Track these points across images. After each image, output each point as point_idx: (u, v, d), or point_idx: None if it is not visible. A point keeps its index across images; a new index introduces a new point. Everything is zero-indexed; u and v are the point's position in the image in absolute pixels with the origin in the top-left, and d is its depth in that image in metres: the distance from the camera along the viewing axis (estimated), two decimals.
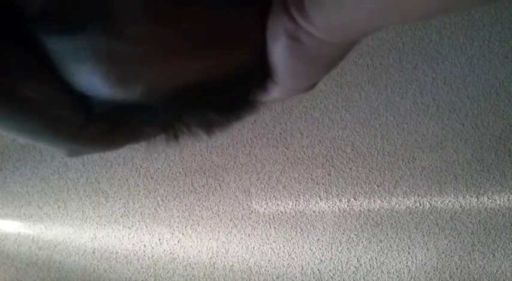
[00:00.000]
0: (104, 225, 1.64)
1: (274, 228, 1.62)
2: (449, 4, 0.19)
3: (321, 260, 1.64)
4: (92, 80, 0.25)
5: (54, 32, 0.23)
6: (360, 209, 1.61)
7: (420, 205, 1.60)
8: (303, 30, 0.23)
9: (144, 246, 1.65)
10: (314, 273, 1.65)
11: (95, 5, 0.22)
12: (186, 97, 0.27)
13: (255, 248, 1.63)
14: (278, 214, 1.61)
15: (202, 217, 1.62)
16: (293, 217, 1.61)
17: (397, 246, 1.63)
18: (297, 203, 1.61)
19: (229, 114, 0.31)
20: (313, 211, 1.61)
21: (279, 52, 0.25)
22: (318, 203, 1.61)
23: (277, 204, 1.61)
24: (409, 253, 1.63)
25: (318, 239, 1.63)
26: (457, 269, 1.63)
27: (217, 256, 1.64)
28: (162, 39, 0.23)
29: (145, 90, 0.25)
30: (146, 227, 1.64)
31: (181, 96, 0.27)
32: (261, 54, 0.28)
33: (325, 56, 0.25)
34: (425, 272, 1.64)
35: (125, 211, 1.63)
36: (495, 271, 1.63)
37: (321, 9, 0.22)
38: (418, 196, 1.60)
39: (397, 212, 1.61)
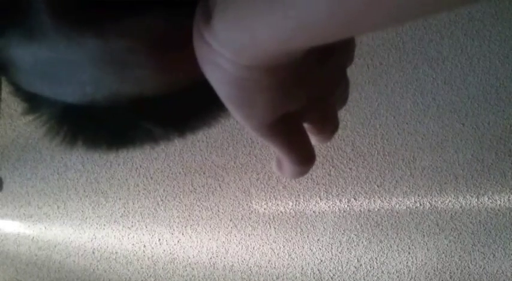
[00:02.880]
0: (104, 225, 1.64)
1: (274, 228, 1.62)
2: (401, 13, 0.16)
3: (321, 261, 1.64)
4: (33, 83, 0.26)
5: None
6: (360, 209, 1.61)
7: (420, 205, 1.60)
8: (217, 53, 0.21)
9: (144, 246, 1.64)
10: (314, 273, 1.65)
11: (11, 13, 0.22)
12: (126, 107, 0.27)
13: (255, 249, 1.63)
14: (278, 214, 1.61)
15: (202, 217, 1.62)
16: (293, 217, 1.61)
17: (397, 246, 1.63)
18: (297, 203, 1.60)
19: (173, 129, 0.31)
20: (313, 211, 1.61)
21: (210, 81, 0.23)
22: (318, 203, 1.60)
23: (277, 204, 1.60)
24: (409, 253, 1.63)
25: (318, 240, 1.62)
26: (457, 269, 1.63)
27: (217, 256, 1.64)
28: (82, 52, 0.24)
29: (82, 94, 0.26)
30: (146, 227, 1.63)
31: (122, 106, 0.27)
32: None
33: (254, 82, 0.22)
34: (425, 272, 1.64)
35: (124, 211, 1.63)
36: (495, 271, 1.62)
37: (223, 24, 0.20)
38: (418, 196, 1.59)
39: (397, 212, 1.61)
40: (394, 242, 1.62)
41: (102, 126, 0.29)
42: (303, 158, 0.28)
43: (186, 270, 1.66)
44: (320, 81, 0.27)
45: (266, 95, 0.24)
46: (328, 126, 0.30)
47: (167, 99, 0.28)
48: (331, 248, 1.63)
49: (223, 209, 1.61)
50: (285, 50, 0.21)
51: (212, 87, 0.24)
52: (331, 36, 0.18)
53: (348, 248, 1.63)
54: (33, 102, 0.29)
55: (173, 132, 0.30)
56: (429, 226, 1.61)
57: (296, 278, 1.65)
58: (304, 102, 0.26)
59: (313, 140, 0.31)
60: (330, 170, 1.59)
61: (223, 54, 0.21)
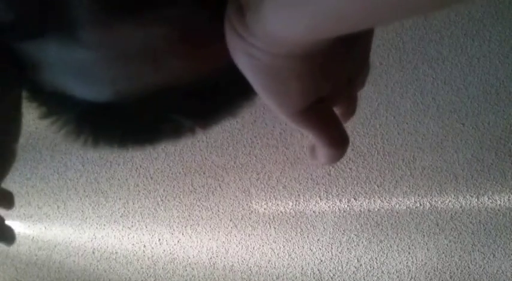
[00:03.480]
0: (104, 225, 1.64)
1: (274, 228, 1.62)
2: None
3: (321, 261, 1.64)
4: (65, 83, 0.27)
5: (18, 40, 0.24)
6: (360, 209, 1.61)
7: (420, 205, 1.60)
8: (251, 44, 0.23)
9: (144, 246, 1.64)
10: (314, 273, 1.65)
11: (50, 15, 0.22)
12: (157, 100, 0.27)
13: (255, 249, 1.63)
14: (278, 214, 1.61)
15: (202, 217, 1.62)
16: (293, 217, 1.61)
17: (397, 246, 1.63)
18: (297, 203, 1.60)
19: (200, 120, 0.31)
20: (313, 211, 1.61)
21: (244, 71, 0.24)
22: (318, 203, 1.60)
23: (277, 204, 1.60)
24: (409, 253, 1.63)
25: (318, 240, 1.62)
26: (457, 269, 1.63)
27: (217, 256, 1.64)
28: (119, 45, 0.24)
29: (113, 92, 0.26)
30: (146, 227, 1.63)
31: (152, 99, 0.27)
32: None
33: (288, 70, 0.24)
34: (425, 272, 1.64)
35: (124, 211, 1.63)
36: (495, 271, 1.63)
37: (258, 20, 0.21)
38: (418, 196, 1.59)
39: (397, 212, 1.61)
40: (394, 242, 1.62)
41: (127, 123, 0.29)
42: (338, 140, 0.29)
43: (186, 270, 1.66)
44: (348, 67, 0.28)
45: (300, 83, 0.25)
46: (351, 108, 0.32)
47: (195, 91, 0.28)
48: (331, 248, 1.63)
49: (223, 209, 1.61)
50: (320, 39, 0.22)
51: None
52: (365, 24, 0.19)
53: (348, 248, 1.63)
54: (53, 104, 0.29)
55: (200, 123, 0.31)
56: (429, 226, 1.61)
57: (296, 278, 1.65)
58: (333, 87, 0.28)
59: None
60: (329, 170, 1.59)
61: (258, 46, 0.22)
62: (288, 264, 1.64)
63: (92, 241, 1.65)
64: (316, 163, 0.31)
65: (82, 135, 0.30)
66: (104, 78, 0.26)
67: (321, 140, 0.29)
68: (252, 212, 1.61)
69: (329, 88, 0.27)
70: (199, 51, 0.26)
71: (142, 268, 1.66)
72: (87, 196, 1.63)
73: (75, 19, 0.23)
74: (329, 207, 1.61)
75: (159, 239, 1.64)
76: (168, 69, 0.26)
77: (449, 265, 1.63)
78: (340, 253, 1.63)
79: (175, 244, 1.64)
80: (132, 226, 1.63)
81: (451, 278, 1.64)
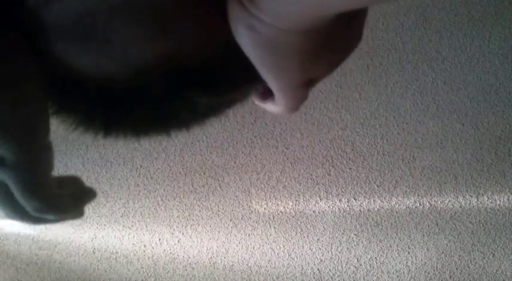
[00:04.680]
0: (104, 225, 1.64)
1: (274, 228, 1.62)
2: None
3: (321, 260, 1.64)
4: (77, 61, 0.26)
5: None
6: (359, 209, 1.61)
7: (420, 204, 1.60)
8: (255, 17, 0.23)
9: (144, 246, 1.65)
10: (314, 273, 1.65)
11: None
12: (168, 78, 0.27)
13: (255, 248, 1.63)
14: (278, 214, 1.61)
15: (202, 217, 1.62)
16: (293, 216, 1.61)
17: (397, 246, 1.63)
18: (297, 203, 1.61)
19: (213, 97, 0.31)
20: (313, 211, 1.61)
21: (242, 44, 0.24)
22: (318, 203, 1.61)
23: (277, 204, 1.61)
24: (409, 252, 1.63)
25: (318, 239, 1.63)
26: (457, 269, 1.63)
27: (217, 256, 1.64)
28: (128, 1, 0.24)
29: (126, 64, 0.26)
30: (146, 227, 1.64)
31: (163, 77, 0.27)
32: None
33: (289, 45, 0.24)
34: (425, 272, 1.64)
35: (125, 211, 1.63)
36: (495, 271, 1.63)
37: None
38: (418, 195, 1.60)
39: (397, 212, 1.61)
40: (394, 242, 1.63)
41: (140, 108, 0.29)
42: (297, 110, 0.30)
43: (186, 270, 1.66)
44: (345, 44, 0.28)
45: (299, 58, 0.25)
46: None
47: (206, 66, 0.28)
48: (331, 247, 1.63)
49: (223, 209, 1.61)
50: (323, 14, 0.22)
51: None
52: (367, 1, 0.20)
53: (347, 248, 1.63)
54: (64, 95, 0.29)
55: (213, 98, 0.31)
56: (429, 225, 1.61)
57: (296, 277, 1.65)
58: (325, 69, 0.28)
59: None
60: (329, 170, 1.59)
61: (262, 19, 0.22)
62: (288, 264, 1.64)
63: (92, 240, 1.65)
64: (259, 104, 0.31)
65: (93, 125, 0.29)
66: (115, 41, 0.26)
67: (286, 110, 0.30)
68: (252, 212, 1.61)
69: (324, 70, 0.28)
70: (209, 18, 0.26)
71: (142, 267, 1.66)
72: None
73: None
74: (329, 207, 1.61)
75: (160, 239, 1.64)
76: (177, 34, 0.26)
77: (449, 264, 1.63)
78: (340, 252, 1.64)
79: (175, 244, 1.64)
80: (132, 225, 1.64)
81: (450, 277, 1.64)
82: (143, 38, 0.26)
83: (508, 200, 1.59)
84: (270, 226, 1.62)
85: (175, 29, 0.26)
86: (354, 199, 1.60)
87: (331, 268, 1.65)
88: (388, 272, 1.64)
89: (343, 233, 1.62)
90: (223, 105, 0.32)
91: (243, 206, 1.61)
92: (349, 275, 1.65)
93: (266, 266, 1.65)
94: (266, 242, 1.63)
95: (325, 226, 1.62)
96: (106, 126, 0.30)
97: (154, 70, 0.27)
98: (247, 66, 0.28)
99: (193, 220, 1.62)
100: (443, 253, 1.63)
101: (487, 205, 1.60)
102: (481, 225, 1.61)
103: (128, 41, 0.26)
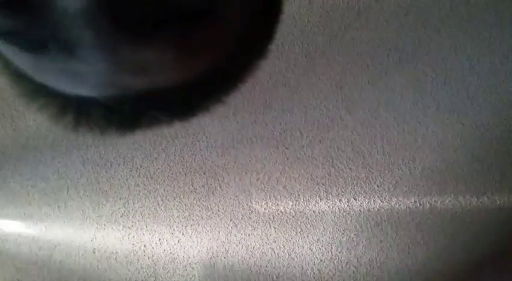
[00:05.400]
0: (104, 225, 1.64)
1: (274, 228, 1.62)
2: None
3: (321, 260, 1.64)
4: (48, 82, 0.28)
5: (19, 48, 0.25)
6: (360, 209, 1.61)
7: (420, 204, 1.60)
8: None
9: (144, 246, 1.65)
10: (314, 273, 1.65)
11: (56, 30, 0.23)
12: (138, 100, 0.30)
13: (255, 248, 1.63)
14: (278, 214, 1.61)
15: (202, 217, 1.62)
16: (293, 216, 1.61)
17: (397, 246, 1.63)
18: (297, 203, 1.61)
19: (178, 115, 0.34)
20: (313, 211, 1.61)
21: None
22: (318, 203, 1.61)
23: (277, 204, 1.61)
24: (409, 252, 1.63)
25: (318, 239, 1.63)
26: (457, 268, 1.64)
27: (217, 256, 1.64)
28: (114, 63, 0.26)
29: (101, 94, 0.29)
30: (146, 227, 1.64)
31: (134, 99, 0.29)
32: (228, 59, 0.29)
33: None
34: (425, 272, 1.64)
35: (125, 211, 1.63)
36: (495, 270, 1.63)
37: None
38: (418, 195, 1.60)
39: (397, 212, 1.61)
40: (394, 241, 1.63)
41: (109, 114, 0.31)
42: None
43: (186, 270, 1.66)
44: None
45: None
46: None
47: (176, 90, 0.30)
48: (331, 248, 1.63)
49: (223, 209, 1.61)
50: None
51: (220, 73, 0.27)
52: None
53: (347, 248, 1.63)
54: (39, 90, 0.31)
55: (178, 118, 0.33)
56: (429, 225, 1.61)
57: (296, 277, 1.65)
58: None
59: None
60: (329, 170, 1.59)
61: None
62: (288, 264, 1.64)
63: (92, 240, 1.65)
64: None
65: (66, 119, 0.32)
66: (92, 86, 0.27)
67: None
68: (252, 212, 1.61)
69: None
70: (190, 61, 0.28)
71: (142, 267, 1.66)
72: (87, 196, 1.63)
73: (78, 39, 0.23)
74: (329, 207, 1.61)
75: (160, 239, 1.64)
76: (158, 78, 0.28)
77: (449, 264, 1.63)
78: (340, 252, 1.64)
79: (175, 244, 1.64)
80: (132, 225, 1.64)
81: (450, 277, 1.64)
82: (123, 84, 0.28)
83: (508, 200, 1.59)
84: (270, 226, 1.62)
85: (156, 76, 0.28)
86: (354, 199, 1.60)
87: (331, 268, 1.65)
88: (388, 272, 1.64)
89: (343, 233, 1.62)
90: (188, 118, 0.35)
91: (243, 206, 1.61)
92: (349, 275, 1.65)
93: (266, 266, 1.65)
94: (266, 242, 1.63)
95: (325, 226, 1.62)
96: (76, 122, 0.32)
97: (124, 96, 0.29)
98: (217, 88, 0.30)
99: (193, 220, 1.62)
100: (443, 252, 1.63)
101: (487, 205, 1.60)
102: (481, 225, 1.61)
103: (107, 85, 0.28)
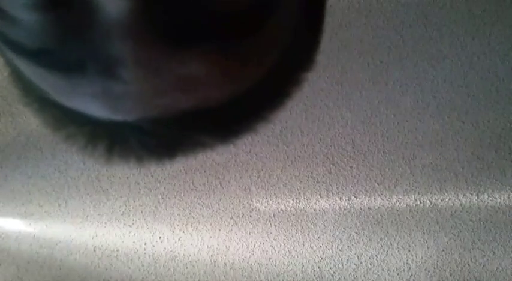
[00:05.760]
0: (105, 223, 1.64)
1: (275, 226, 1.62)
2: None
3: (322, 258, 1.64)
4: (83, 108, 0.25)
5: (51, 69, 0.23)
6: (360, 207, 1.61)
7: (420, 202, 1.60)
8: None
9: (145, 244, 1.65)
10: (314, 271, 1.65)
11: (94, 49, 0.21)
12: (180, 122, 0.27)
13: (256, 246, 1.64)
14: (278, 212, 1.61)
15: (202, 215, 1.62)
16: (293, 214, 1.62)
17: (398, 244, 1.63)
18: (298, 201, 1.61)
19: (222, 138, 0.31)
20: (314, 209, 1.61)
21: None
22: (319, 201, 1.61)
23: (278, 202, 1.61)
24: (409, 250, 1.63)
25: (318, 237, 1.63)
26: (457, 266, 1.64)
27: (218, 254, 1.65)
28: (157, 81, 0.23)
29: (140, 118, 0.26)
30: (147, 225, 1.64)
31: (175, 121, 0.27)
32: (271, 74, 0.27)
33: None
34: (425, 269, 1.64)
35: (125, 209, 1.63)
36: (495, 269, 1.63)
37: None
38: (418, 193, 1.60)
39: (397, 210, 1.61)
40: (394, 239, 1.63)
41: (149, 138, 0.28)
42: None
43: (187, 268, 1.66)
44: None
45: None
46: None
47: (222, 108, 0.27)
48: (332, 245, 1.63)
49: (224, 207, 1.61)
50: None
51: (267, 88, 0.25)
52: None
53: (348, 246, 1.64)
54: (64, 115, 0.28)
55: (223, 140, 0.31)
56: (429, 223, 1.62)
57: (296, 275, 1.66)
58: None
59: None
60: (330, 168, 1.59)
61: None
62: (289, 262, 1.65)
63: (93, 238, 1.65)
64: None
65: (95, 149, 0.29)
66: (130, 109, 0.25)
67: None
68: (252, 210, 1.61)
69: None
70: (238, 76, 0.26)
71: (143, 265, 1.66)
72: (88, 194, 1.63)
73: (119, 56, 0.21)
74: (329, 205, 1.61)
75: (160, 237, 1.64)
76: (203, 96, 0.26)
77: (449, 262, 1.64)
78: (340, 250, 1.64)
79: (176, 242, 1.64)
80: (133, 223, 1.64)
81: (451, 275, 1.64)
82: (163, 105, 0.26)
83: (509, 198, 1.59)
84: (271, 224, 1.62)
85: (199, 95, 0.25)
86: (355, 196, 1.60)
87: (332, 266, 1.65)
88: (388, 270, 1.65)
89: (343, 231, 1.63)
90: (230, 141, 0.32)
91: (243, 204, 1.61)
92: (350, 273, 1.65)
93: (267, 264, 1.65)
94: (267, 240, 1.63)
95: (325, 224, 1.62)
96: (109, 151, 0.29)
97: (164, 119, 0.26)
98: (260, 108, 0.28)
99: (194, 218, 1.62)
100: (443, 250, 1.63)
101: (488, 202, 1.60)
102: (482, 223, 1.61)
103: (145, 108, 0.26)
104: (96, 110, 0.25)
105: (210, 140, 0.30)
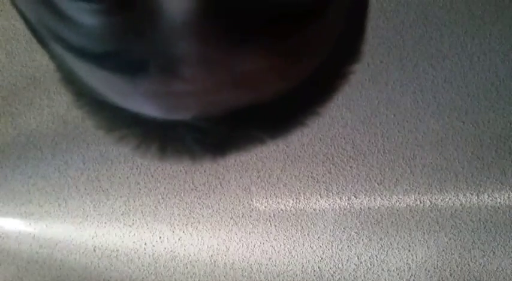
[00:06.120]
0: (105, 223, 1.64)
1: (275, 226, 1.62)
2: None
3: (322, 258, 1.64)
4: (141, 108, 0.25)
5: (114, 71, 0.23)
6: (360, 207, 1.61)
7: (420, 202, 1.60)
8: None
9: (145, 244, 1.65)
10: (314, 271, 1.65)
11: (157, 49, 0.21)
12: (235, 119, 0.27)
13: (256, 246, 1.64)
14: (278, 212, 1.62)
15: (202, 215, 1.62)
16: (293, 214, 1.62)
17: (398, 244, 1.63)
18: (298, 201, 1.61)
19: (274, 133, 0.31)
20: (314, 209, 1.61)
21: None
22: (319, 201, 1.61)
23: (278, 202, 1.61)
24: (409, 250, 1.63)
25: (318, 237, 1.63)
26: (457, 266, 1.64)
27: (218, 254, 1.65)
28: (216, 78, 0.23)
29: (195, 116, 0.26)
30: (147, 225, 1.64)
31: (230, 118, 0.26)
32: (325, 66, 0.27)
33: None
34: (425, 269, 1.64)
35: (125, 209, 1.63)
36: (495, 269, 1.63)
37: None
38: (418, 193, 1.60)
39: (397, 210, 1.61)
40: (394, 239, 1.63)
41: (199, 137, 0.28)
42: None
43: (187, 268, 1.66)
44: None
45: None
46: None
47: (277, 102, 0.27)
48: (332, 245, 1.63)
49: (224, 207, 1.62)
50: None
51: (318, 81, 0.25)
52: None
53: (348, 246, 1.64)
54: (116, 117, 0.28)
55: (275, 135, 0.30)
56: (429, 223, 1.62)
57: (296, 275, 1.66)
58: None
59: None
60: (330, 168, 1.59)
61: None
62: (289, 261, 1.65)
63: (93, 238, 1.65)
64: None
65: (149, 149, 0.29)
66: (189, 107, 0.25)
67: None
68: (252, 210, 1.61)
69: None
70: (294, 68, 0.26)
71: (143, 265, 1.66)
72: (88, 194, 1.63)
73: (182, 54, 0.21)
74: (329, 205, 1.61)
75: (160, 237, 1.64)
76: (257, 93, 0.25)
77: (449, 262, 1.64)
78: (340, 250, 1.64)
79: (176, 242, 1.64)
80: (133, 223, 1.64)
81: (451, 275, 1.64)
82: (220, 102, 0.26)
83: (509, 198, 1.59)
84: (271, 224, 1.62)
85: (257, 90, 0.25)
86: (355, 196, 1.60)
87: (332, 266, 1.65)
88: (388, 270, 1.65)
89: (343, 231, 1.63)
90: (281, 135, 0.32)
91: (243, 204, 1.61)
92: (350, 273, 1.65)
93: (267, 264, 1.65)
94: (267, 240, 1.63)
95: (325, 224, 1.62)
96: (162, 149, 0.29)
97: (219, 116, 0.26)
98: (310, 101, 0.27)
99: (193, 218, 1.62)
100: (443, 250, 1.63)
101: (488, 202, 1.60)
102: (482, 223, 1.61)
103: (202, 106, 0.26)
104: (154, 109, 0.25)
105: (262, 136, 0.30)
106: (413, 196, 1.60)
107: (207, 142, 0.29)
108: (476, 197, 1.60)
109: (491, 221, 1.61)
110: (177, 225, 1.63)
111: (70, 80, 0.27)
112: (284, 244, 1.63)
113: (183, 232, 1.63)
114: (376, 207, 1.61)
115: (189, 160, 0.30)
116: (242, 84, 0.24)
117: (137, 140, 0.28)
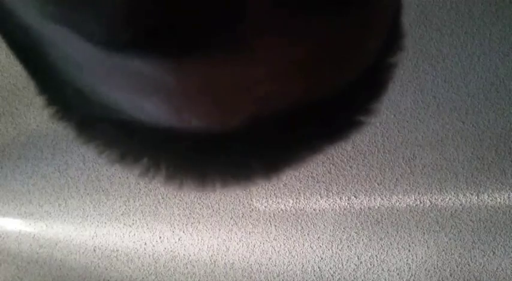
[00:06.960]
0: (105, 223, 1.64)
1: (275, 226, 1.62)
2: None
3: (322, 258, 1.64)
4: (167, 113, 0.22)
5: (149, 56, 0.19)
6: (360, 207, 1.61)
7: (420, 202, 1.60)
8: None
9: (145, 244, 1.65)
10: (314, 271, 1.65)
11: (215, 17, 0.18)
12: (291, 120, 0.23)
13: (256, 246, 1.64)
14: (279, 212, 1.62)
15: (203, 215, 1.62)
16: (293, 214, 1.62)
17: (398, 244, 1.63)
18: (298, 201, 1.61)
19: (336, 135, 0.27)
20: (314, 209, 1.61)
21: None
22: (319, 201, 1.61)
23: (278, 202, 1.61)
24: (409, 250, 1.63)
25: (318, 237, 1.63)
26: (457, 266, 1.64)
27: (218, 254, 1.65)
28: (270, 68, 0.20)
29: (243, 120, 0.22)
30: (147, 225, 1.64)
31: (284, 120, 0.22)
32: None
33: None
34: (425, 269, 1.64)
35: (125, 209, 1.63)
36: (495, 269, 1.63)
37: None
38: (418, 193, 1.60)
39: (397, 210, 1.61)
40: (394, 239, 1.63)
41: (251, 149, 0.24)
42: None
43: (187, 268, 1.66)
44: None
45: None
46: None
47: (330, 101, 0.23)
48: (332, 245, 1.63)
49: (224, 207, 1.62)
50: None
51: (370, 74, 0.22)
52: None
53: (348, 246, 1.64)
54: (110, 132, 0.24)
55: (331, 141, 0.27)
56: (429, 223, 1.62)
57: (296, 275, 1.66)
58: None
59: None
60: (330, 168, 1.59)
61: None
62: (289, 261, 1.65)
63: (93, 238, 1.65)
64: None
65: (143, 162, 0.25)
66: (195, 108, 0.21)
67: None
68: (252, 210, 1.61)
69: None
70: (353, 57, 0.23)
71: (143, 265, 1.66)
72: (88, 194, 1.63)
73: (234, 42, 0.18)
74: (329, 205, 1.61)
75: (160, 237, 1.64)
76: (317, 84, 0.22)
77: (449, 262, 1.64)
78: (340, 250, 1.64)
79: (176, 242, 1.64)
80: (133, 223, 1.64)
81: (451, 275, 1.64)
82: (233, 105, 0.22)
83: (509, 198, 1.59)
84: (271, 224, 1.62)
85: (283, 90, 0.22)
86: (355, 197, 1.60)
87: (332, 266, 1.65)
88: (388, 270, 1.65)
89: (343, 231, 1.63)
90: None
91: (243, 204, 1.61)
92: (350, 273, 1.65)
93: (267, 264, 1.65)
94: (267, 240, 1.63)
95: (325, 224, 1.62)
96: (156, 166, 0.25)
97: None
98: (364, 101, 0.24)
99: (194, 218, 1.62)
100: (443, 250, 1.63)
101: (488, 202, 1.60)
102: (482, 223, 1.61)
103: (213, 107, 0.22)
104: (189, 111, 0.21)
105: (321, 142, 0.26)
106: (413, 196, 1.60)
107: (258, 155, 0.24)
108: (476, 197, 1.60)
109: (491, 221, 1.61)
110: (177, 225, 1.63)
111: (56, 97, 0.24)
112: (284, 244, 1.63)
113: (183, 232, 1.63)
114: (376, 207, 1.61)
115: (232, 184, 0.24)
116: (300, 72, 0.21)
117: (148, 164, 0.24)
